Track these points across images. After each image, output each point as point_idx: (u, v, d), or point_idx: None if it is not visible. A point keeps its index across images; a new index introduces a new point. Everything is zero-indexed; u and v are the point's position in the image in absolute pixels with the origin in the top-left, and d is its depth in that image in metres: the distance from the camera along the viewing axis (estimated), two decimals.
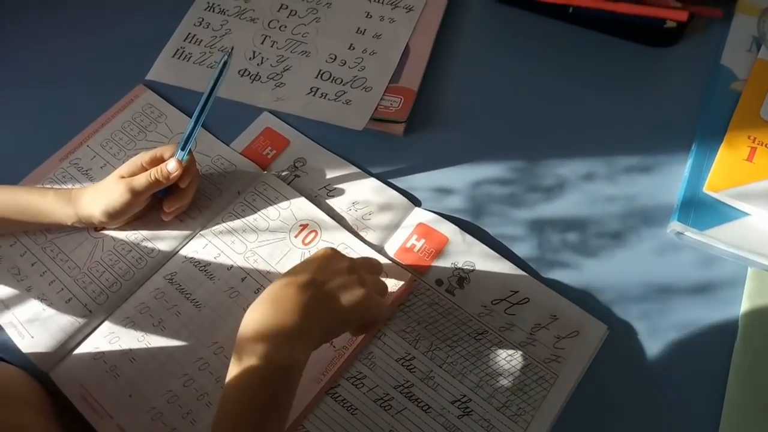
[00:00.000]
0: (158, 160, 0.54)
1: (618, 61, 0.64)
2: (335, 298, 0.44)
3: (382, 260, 0.53)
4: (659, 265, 0.52)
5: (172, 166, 0.53)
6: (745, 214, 0.52)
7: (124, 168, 0.53)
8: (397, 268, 0.53)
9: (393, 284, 0.52)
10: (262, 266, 0.54)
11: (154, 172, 0.52)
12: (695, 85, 0.61)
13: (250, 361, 0.40)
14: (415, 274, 0.53)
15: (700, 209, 0.53)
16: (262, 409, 0.40)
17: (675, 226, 0.52)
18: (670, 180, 0.56)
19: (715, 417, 0.45)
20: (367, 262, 0.51)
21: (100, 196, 0.53)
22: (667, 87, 0.62)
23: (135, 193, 0.52)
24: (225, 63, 0.52)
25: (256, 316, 0.42)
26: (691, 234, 0.52)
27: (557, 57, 0.65)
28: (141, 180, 0.52)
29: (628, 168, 0.57)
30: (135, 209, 0.54)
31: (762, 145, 0.55)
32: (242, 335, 0.42)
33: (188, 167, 0.54)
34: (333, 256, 0.47)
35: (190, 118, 0.54)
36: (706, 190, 0.53)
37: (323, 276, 0.44)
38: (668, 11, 0.62)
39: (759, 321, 0.49)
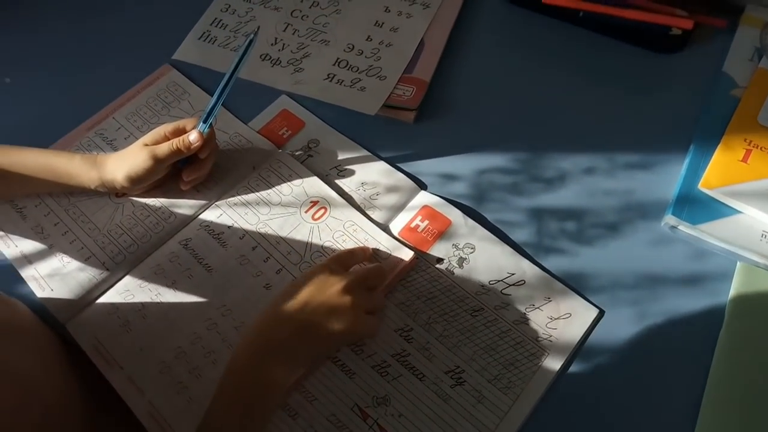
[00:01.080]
0: (181, 131, 0.57)
1: (624, 65, 0.66)
2: (324, 325, 0.47)
3: (386, 241, 0.55)
4: (652, 255, 0.54)
5: (193, 137, 0.56)
6: (737, 211, 0.54)
7: (148, 137, 0.56)
8: (401, 246, 0.55)
9: (396, 260, 0.54)
10: (272, 238, 0.57)
11: (176, 142, 0.55)
12: (697, 89, 0.63)
13: (237, 373, 0.45)
14: (418, 252, 0.55)
15: (694, 205, 0.55)
16: (239, 417, 0.44)
17: (669, 219, 0.55)
18: (667, 177, 0.58)
19: (696, 399, 0.47)
20: (366, 275, 0.51)
21: (123, 161, 0.56)
22: (670, 90, 0.64)
23: (157, 161, 0.55)
24: (251, 42, 0.55)
25: (250, 338, 0.47)
26: (685, 228, 0.54)
27: (566, 57, 0.68)
28: (163, 148, 0.55)
29: (627, 164, 0.59)
30: (156, 176, 0.57)
31: (757, 148, 0.57)
32: (237, 351, 0.46)
33: (208, 139, 0.57)
34: (330, 275, 0.49)
35: (212, 96, 0.57)
36: (701, 187, 0.55)
37: (318, 298, 0.48)
38: (674, 19, 0.65)
39: (744, 312, 0.50)
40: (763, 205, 0.54)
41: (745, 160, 0.56)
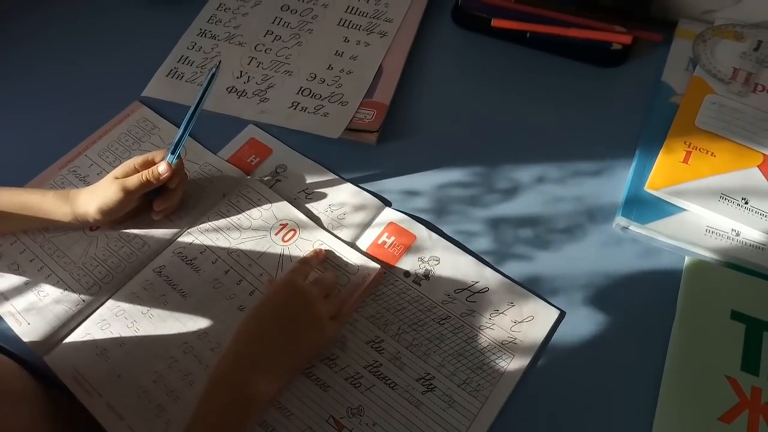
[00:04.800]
0: (150, 163, 0.59)
1: (570, 79, 0.70)
2: (297, 335, 0.50)
3: (354, 256, 0.58)
4: (606, 255, 0.57)
5: (162, 168, 0.58)
6: (682, 209, 0.58)
7: (119, 170, 0.58)
8: (369, 261, 0.57)
9: (364, 275, 0.57)
10: (244, 261, 0.59)
11: (145, 174, 0.57)
12: (639, 99, 0.67)
13: (218, 387, 0.47)
14: (385, 267, 0.58)
15: (642, 206, 0.58)
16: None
17: (620, 220, 0.58)
18: (615, 182, 0.61)
19: (654, 388, 0.50)
20: (324, 283, 0.54)
21: (95, 195, 0.57)
22: (614, 101, 0.69)
23: (128, 193, 0.57)
24: (213, 75, 0.58)
25: (229, 353, 0.48)
26: (635, 228, 0.57)
27: (515, 76, 0.72)
28: (133, 180, 0.57)
29: (578, 171, 0.63)
30: (127, 208, 0.58)
31: (696, 149, 0.61)
32: (216, 366, 0.48)
33: (177, 170, 0.59)
34: (297, 288, 0.52)
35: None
36: (648, 188, 0.59)
37: (290, 311, 0.50)
38: (613, 35, 0.69)
39: (694, 303, 0.53)
40: (705, 202, 0.57)
41: (686, 161, 0.60)
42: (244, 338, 0.49)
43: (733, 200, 0.57)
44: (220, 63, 0.59)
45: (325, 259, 0.58)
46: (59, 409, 0.53)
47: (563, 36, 0.70)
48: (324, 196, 0.63)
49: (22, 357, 0.54)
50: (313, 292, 0.52)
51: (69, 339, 0.55)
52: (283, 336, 0.49)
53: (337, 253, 0.58)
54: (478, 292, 0.56)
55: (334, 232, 0.60)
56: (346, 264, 0.58)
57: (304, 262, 0.56)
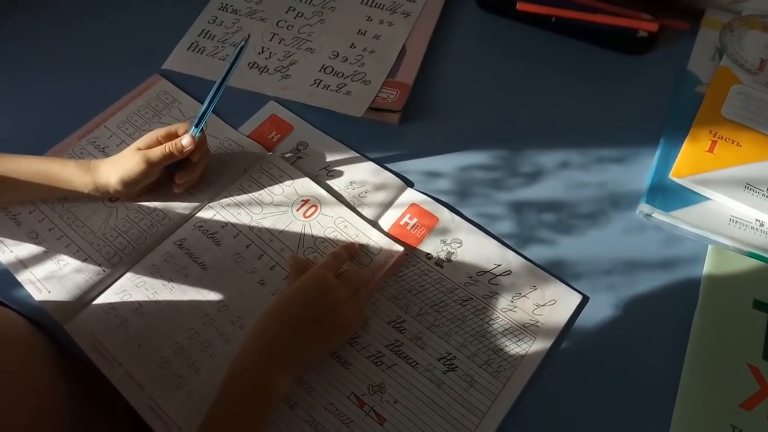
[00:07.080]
0: (173, 136, 0.58)
1: (595, 66, 0.70)
2: (321, 333, 0.50)
3: (377, 236, 0.58)
4: (629, 242, 0.57)
5: (186, 141, 0.57)
6: (707, 198, 0.58)
7: (142, 141, 0.58)
8: (392, 243, 0.57)
9: (387, 256, 0.56)
10: (265, 235, 0.58)
11: (169, 146, 0.57)
12: (664, 87, 0.67)
13: (239, 380, 0.46)
14: (408, 248, 0.58)
15: (666, 193, 0.58)
16: (241, 423, 0.45)
17: (643, 207, 0.58)
18: (639, 169, 0.61)
19: (676, 375, 0.50)
20: (353, 280, 0.53)
21: (117, 165, 0.57)
22: (639, 89, 0.68)
23: (150, 164, 0.56)
24: (242, 48, 0.57)
25: (251, 345, 0.48)
26: (658, 215, 0.57)
27: (540, 60, 0.71)
28: (156, 152, 0.56)
29: (601, 158, 0.63)
30: (149, 179, 0.58)
31: (722, 138, 0.60)
32: (238, 357, 0.47)
33: (200, 143, 0.58)
34: (324, 285, 0.50)
35: (201, 104, 0.58)
36: (672, 176, 0.59)
37: (316, 308, 0.49)
38: (640, 22, 0.69)
39: (717, 292, 0.53)
40: (730, 191, 0.57)
41: (711, 150, 0.60)
42: (267, 330, 0.48)
43: (758, 190, 0.57)
44: (249, 36, 0.58)
45: (357, 253, 0.57)
46: (65, 361, 0.53)
47: (589, 21, 0.70)
48: (346, 174, 0.63)
49: (28, 315, 0.54)
50: (343, 292, 0.50)
51: (89, 308, 0.54)
52: (307, 336, 0.49)
53: (360, 232, 0.58)
54: (500, 274, 0.56)
55: (356, 209, 0.60)
56: (368, 244, 0.57)
57: (336, 256, 0.54)
